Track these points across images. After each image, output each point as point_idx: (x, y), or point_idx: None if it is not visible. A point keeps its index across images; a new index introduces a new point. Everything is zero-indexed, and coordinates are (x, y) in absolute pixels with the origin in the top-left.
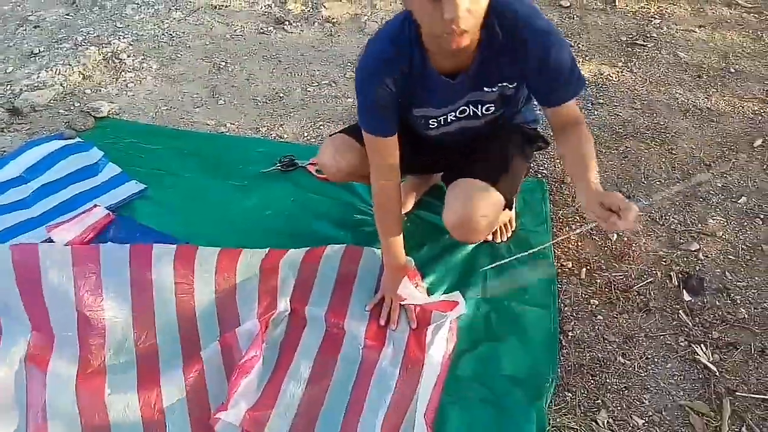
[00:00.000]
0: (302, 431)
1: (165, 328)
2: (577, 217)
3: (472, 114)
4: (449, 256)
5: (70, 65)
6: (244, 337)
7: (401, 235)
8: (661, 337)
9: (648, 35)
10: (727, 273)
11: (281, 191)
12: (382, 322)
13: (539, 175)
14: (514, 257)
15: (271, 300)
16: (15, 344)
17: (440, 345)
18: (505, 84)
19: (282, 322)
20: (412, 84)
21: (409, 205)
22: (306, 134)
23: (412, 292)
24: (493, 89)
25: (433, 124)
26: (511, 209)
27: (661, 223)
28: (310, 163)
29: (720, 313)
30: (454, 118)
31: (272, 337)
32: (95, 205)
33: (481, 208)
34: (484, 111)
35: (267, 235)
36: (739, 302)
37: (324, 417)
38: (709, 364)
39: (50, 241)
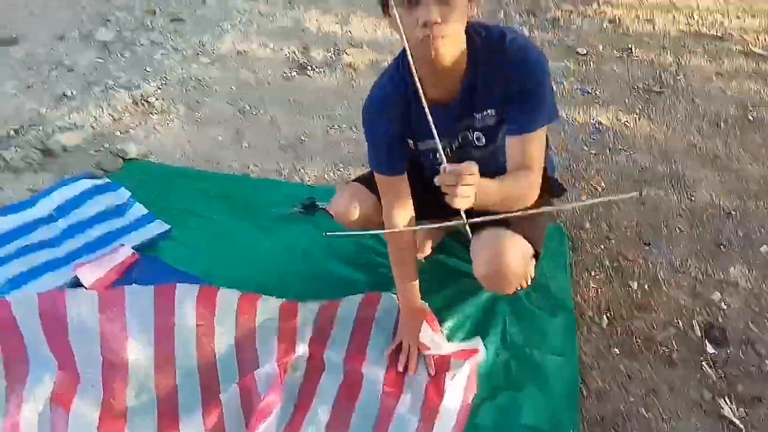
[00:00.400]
0: None
1: (185, 371)
2: (597, 263)
3: (470, 140)
4: (468, 300)
5: (100, 107)
6: (263, 380)
7: (417, 278)
8: (685, 389)
9: (665, 83)
10: (750, 324)
11: (302, 233)
12: (401, 368)
13: (558, 221)
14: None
15: (290, 344)
16: (41, 384)
17: (458, 392)
18: (489, 111)
19: (300, 367)
20: (412, 118)
21: (427, 249)
22: (327, 177)
23: (432, 337)
24: (478, 116)
25: (440, 157)
26: (538, 259)
27: (682, 271)
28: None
29: (744, 365)
30: (458, 146)
31: (291, 381)
32: (121, 245)
33: (513, 260)
34: (476, 141)
35: (288, 277)
36: (763, 355)
37: None
38: (735, 419)
39: (76, 279)
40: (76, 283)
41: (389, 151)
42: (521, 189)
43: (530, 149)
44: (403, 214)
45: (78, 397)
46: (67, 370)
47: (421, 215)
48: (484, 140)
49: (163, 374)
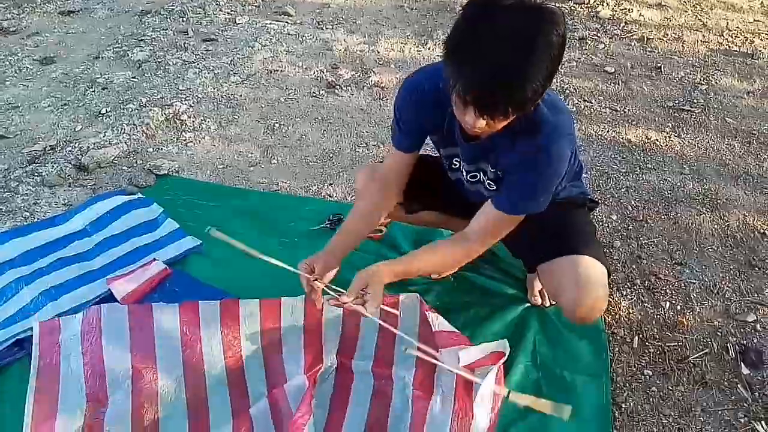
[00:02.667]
0: None
1: (214, 385)
2: (628, 282)
3: (482, 181)
4: (496, 318)
5: (134, 125)
6: (293, 393)
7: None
8: (720, 412)
9: (695, 101)
10: None
11: None
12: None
13: None
14: None
15: (317, 354)
16: (72, 417)
17: (488, 396)
18: (500, 171)
19: (330, 377)
20: (443, 123)
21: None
22: (354, 193)
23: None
24: (491, 168)
25: (456, 164)
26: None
27: (715, 291)
28: None
29: None
30: (474, 179)
31: (321, 393)
32: (153, 260)
33: (601, 290)
34: (487, 185)
35: None
36: None
37: None
38: None
39: (109, 292)
40: (110, 296)
41: (409, 132)
42: (447, 258)
43: (491, 226)
44: (391, 181)
45: (108, 416)
46: (98, 396)
47: (444, 209)
48: (494, 187)
49: (193, 389)
